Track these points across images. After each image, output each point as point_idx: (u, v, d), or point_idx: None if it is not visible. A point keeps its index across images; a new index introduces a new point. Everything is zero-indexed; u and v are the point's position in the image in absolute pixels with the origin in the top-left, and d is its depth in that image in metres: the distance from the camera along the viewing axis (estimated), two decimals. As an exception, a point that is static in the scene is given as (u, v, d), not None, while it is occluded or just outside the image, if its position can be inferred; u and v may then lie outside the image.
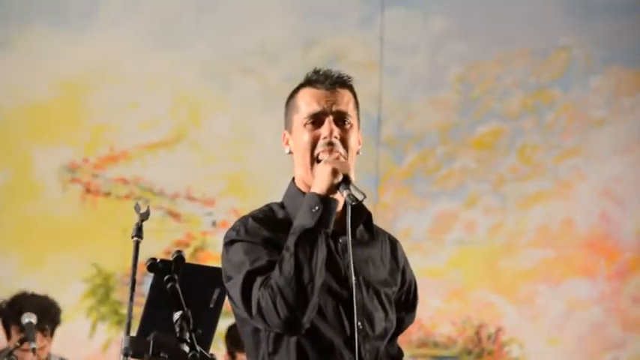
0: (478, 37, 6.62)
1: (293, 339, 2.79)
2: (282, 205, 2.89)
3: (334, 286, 2.82)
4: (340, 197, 2.71)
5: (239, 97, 6.78)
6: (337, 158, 2.67)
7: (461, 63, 6.68)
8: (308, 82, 2.82)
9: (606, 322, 6.48)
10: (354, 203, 2.66)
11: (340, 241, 2.88)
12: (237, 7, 6.76)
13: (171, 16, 6.73)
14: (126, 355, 3.49)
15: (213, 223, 6.68)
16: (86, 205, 6.72)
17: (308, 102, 2.83)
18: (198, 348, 3.41)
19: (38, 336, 5.22)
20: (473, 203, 6.71)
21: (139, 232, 3.76)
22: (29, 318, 4.99)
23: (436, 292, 6.24)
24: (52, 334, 5.30)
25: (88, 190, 6.66)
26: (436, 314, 6.37)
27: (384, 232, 3.14)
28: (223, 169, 6.84)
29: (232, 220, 6.70)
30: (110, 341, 6.16)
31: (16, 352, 5.05)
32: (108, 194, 6.62)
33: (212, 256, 6.16)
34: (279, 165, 6.62)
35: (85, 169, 6.67)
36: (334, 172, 2.60)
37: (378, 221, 3.03)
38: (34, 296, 5.40)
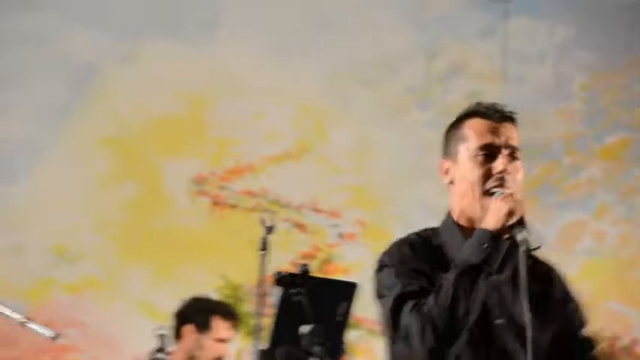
0: (604, 45, 6.63)
1: None
2: (435, 232, 2.89)
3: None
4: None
5: (361, 109, 6.83)
6: (511, 196, 2.64)
7: (587, 72, 6.68)
8: (475, 113, 2.79)
9: None
10: (525, 250, 2.64)
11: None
12: (357, 19, 6.87)
13: (292, 29, 6.81)
14: None
15: (340, 235, 6.75)
16: (214, 218, 6.80)
17: (480, 132, 2.79)
18: (326, 359, 3.82)
19: (232, 329, 5.60)
20: (601, 214, 6.72)
21: (264, 245, 3.95)
22: (161, 330, 5.24)
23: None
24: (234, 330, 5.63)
25: (215, 203, 6.73)
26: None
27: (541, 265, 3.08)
28: (348, 181, 6.89)
29: (358, 232, 6.81)
30: (241, 351, 6.18)
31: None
32: (235, 206, 6.70)
33: (339, 269, 6.41)
34: (402, 177, 6.64)
35: (211, 181, 6.76)
36: (510, 213, 2.57)
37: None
38: (214, 301, 5.74)
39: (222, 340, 5.60)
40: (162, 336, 5.25)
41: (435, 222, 2.92)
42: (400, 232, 3.06)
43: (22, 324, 4.05)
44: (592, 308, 6.75)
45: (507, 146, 2.76)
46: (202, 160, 6.79)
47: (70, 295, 6.56)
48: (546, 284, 2.98)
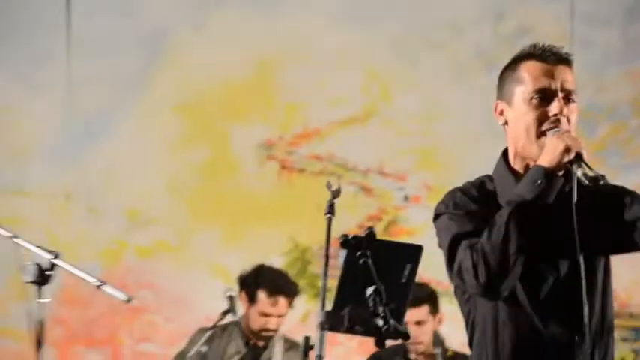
0: (674, 6, 6.51)
1: (501, 317, 2.87)
2: (491, 179, 2.93)
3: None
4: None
5: (428, 72, 6.82)
6: (567, 133, 2.67)
7: (655, 33, 6.53)
8: (531, 55, 2.80)
9: None
10: (589, 184, 2.64)
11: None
12: (426, -18, 6.75)
13: (360, -7, 6.73)
14: (322, 328, 3.69)
15: (406, 198, 6.70)
16: (281, 182, 6.88)
17: (536, 76, 2.79)
18: (391, 322, 3.51)
19: (279, 304, 5.73)
20: (667, 176, 6.48)
21: (331, 209, 3.91)
22: (230, 292, 5.40)
23: (630, 263, 6.27)
24: (289, 306, 5.76)
25: (283, 167, 6.80)
26: (631, 285, 6.32)
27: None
28: (414, 144, 6.94)
29: (424, 196, 6.98)
30: (308, 313, 6.31)
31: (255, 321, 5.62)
32: (302, 171, 6.75)
33: (404, 231, 6.52)
34: (469, 140, 6.61)
35: (279, 146, 6.86)
36: (567, 149, 2.58)
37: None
38: (271, 269, 5.87)
39: (265, 315, 5.73)
40: (231, 297, 5.41)
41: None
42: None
43: (98, 287, 3.92)
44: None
45: (563, 89, 2.77)
46: (270, 125, 6.89)
47: (142, 258, 6.71)
48: (608, 199, 2.99)
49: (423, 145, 6.93)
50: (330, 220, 3.70)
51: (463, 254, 2.85)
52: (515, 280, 2.79)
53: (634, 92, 6.56)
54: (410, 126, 6.86)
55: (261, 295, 5.71)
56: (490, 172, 3.08)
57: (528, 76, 2.78)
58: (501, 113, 2.91)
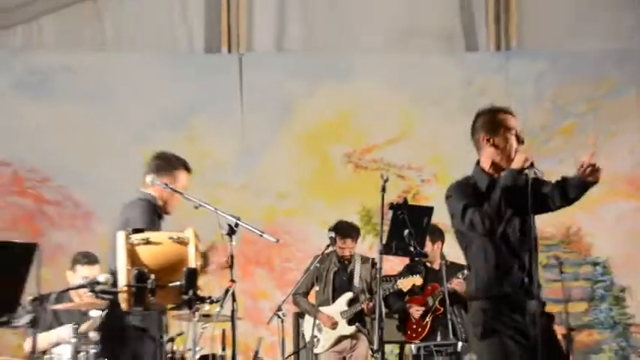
0: None
1: (490, 245, 4.33)
2: (470, 178, 4.51)
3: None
4: None
5: (433, 117, 9.81)
6: (525, 155, 4.32)
7: None
8: (506, 111, 4.51)
9: None
10: (533, 175, 4.29)
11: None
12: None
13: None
14: (380, 253, 5.88)
15: (422, 181, 9.38)
16: (356, 175, 9.72)
17: (513, 123, 4.50)
18: (418, 248, 5.93)
19: (347, 243, 7.85)
20: None
21: (383, 188, 5.90)
22: (330, 234, 7.47)
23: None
24: (355, 242, 7.91)
25: (357, 166, 9.74)
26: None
27: None
28: (426, 152, 10.07)
29: (433, 180, 10.33)
30: (372, 244, 8.97)
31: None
32: (366, 168, 9.68)
33: (422, 199, 9.17)
34: (454, 150, 8.79)
35: (354, 155, 9.92)
36: (526, 160, 4.33)
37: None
38: (343, 222, 7.89)
39: (342, 248, 7.94)
40: (331, 238, 7.65)
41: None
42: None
43: (260, 234, 5.79)
44: None
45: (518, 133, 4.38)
46: (349, 144, 9.91)
47: (285, 217, 9.47)
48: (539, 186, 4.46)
49: (431, 153, 9.88)
50: (383, 194, 5.96)
51: (472, 214, 4.28)
52: (502, 226, 4.27)
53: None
54: (424, 143, 9.86)
55: (338, 237, 7.83)
56: (468, 172, 4.78)
57: (509, 123, 4.42)
58: (489, 140, 4.50)
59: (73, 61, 10.13)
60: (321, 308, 8.09)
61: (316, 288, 8.19)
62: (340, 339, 8.12)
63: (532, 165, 4.51)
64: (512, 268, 4.47)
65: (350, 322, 8.04)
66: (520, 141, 4.65)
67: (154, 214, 6.03)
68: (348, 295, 8.06)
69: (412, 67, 10.20)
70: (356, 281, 8.19)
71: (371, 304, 7.86)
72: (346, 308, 8.03)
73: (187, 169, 6.33)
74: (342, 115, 10.20)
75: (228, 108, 10.09)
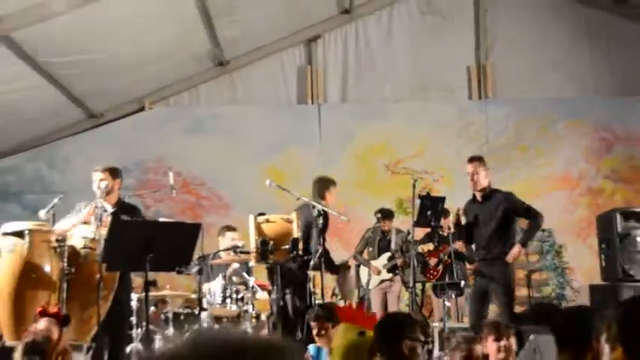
0: None
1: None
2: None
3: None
4: None
5: (442, 143, 10.69)
6: None
7: None
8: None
9: None
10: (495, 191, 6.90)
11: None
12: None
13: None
14: (413, 226, 7.20)
15: (434, 180, 11.02)
16: (393, 178, 10.89)
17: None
18: (434, 222, 7.06)
19: (386, 222, 8.46)
20: None
21: (414, 187, 7.59)
22: (377, 215, 9.22)
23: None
24: (391, 222, 8.72)
25: (393, 172, 11.10)
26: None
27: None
28: (436, 164, 10.75)
29: (440, 180, 11.18)
30: (404, 222, 9.49)
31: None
32: (398, 173, 11.21)
33: (435, 192, 9.69)
34: (455, 165, 9.64)
35: (390, 165, 11.07)
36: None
37: None
38: (383, 209, 8.99)
39: (383, 226, 8.52)
40: (378, 218, 8.49)
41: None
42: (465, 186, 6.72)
43: (337, 216, 6.61)
44: None
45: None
46: (387, 158, 10.84)
47: (348, 205, 9.41)
48: (500, 201, 6.46)
49: (439, 163, 10.71)
50: (413, 190, 7.21)
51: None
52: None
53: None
54: (434, 157, 10.71)
55: (381, 218, 8.61)
56: (461, 177, 6.76)
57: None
58: (480, 172, 6.33)
59: (217, 112, 10.97)
60: (371, 262, 8.76)
61: (369, 249, 8.84)
62: (383, 281, 8.71)
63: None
64: None
65: (388, 271, 8.69)
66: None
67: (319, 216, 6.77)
68: (387, 254, 8.75)
69: (426, 109, 11.02)
70: (392, 245, 8.77)
71: (401, 260, 8.51)
72: (386, 262, 8.72)
73: (334, 183, 7.08)
74: (382, 141, 11.00)
75: (311, 138, 10.81)
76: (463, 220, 6.60)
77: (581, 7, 10.82)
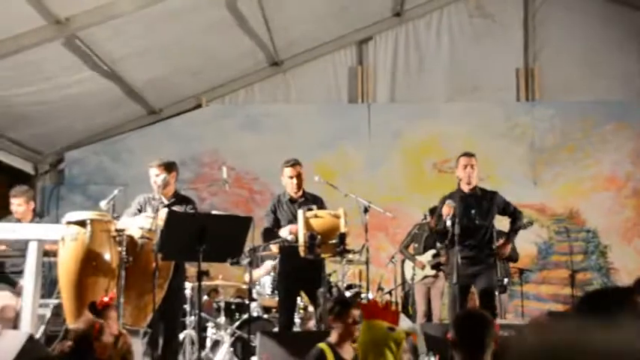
0: None
1: None
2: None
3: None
4: None
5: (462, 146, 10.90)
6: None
7: None
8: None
9: None
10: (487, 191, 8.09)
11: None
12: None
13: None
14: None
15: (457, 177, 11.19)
16: (439, 176, 10.90)
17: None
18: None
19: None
20: None
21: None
22: (425, 213, 9.99)
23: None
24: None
25: (439, 171, 11.04)
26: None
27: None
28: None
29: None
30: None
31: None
32: (444, 172, 10.92)
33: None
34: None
35: (437, 165, 11.17)
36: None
37: None
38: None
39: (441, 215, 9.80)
40: (425, 215, 8.54)
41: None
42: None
43: (382, 212, 6.82)
44: None
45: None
46: (434, 158, 10.73)
47: (395, 202, 9.88)
48: (492, 199, 6.71)
49: (483, 161, 8.37)
50: (459, 184, 7.24)
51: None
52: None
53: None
54: (478, 155, 8.15)
55: (429, 215, 8.18)
56: (503, 173, 8.55)
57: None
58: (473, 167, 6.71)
59: (271, 110, 11.05)
60: (416, 257, 8.72)
61: (414, 245, 8.81)
62: (426, 276, 8.69)
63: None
64: None
65: (432, 268, 8.67)
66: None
67: None
68: (433, 251, 8.69)
69: (473, 110, 10.97)
70: (438, 243, 8.47)
71: (445, 257, 7.61)
72: (431, 259, 8.69)
73: None
74: (430, 140, 10.96)
75: (361, 136, 10.83)
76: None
77: (629, 10, 10.73)
